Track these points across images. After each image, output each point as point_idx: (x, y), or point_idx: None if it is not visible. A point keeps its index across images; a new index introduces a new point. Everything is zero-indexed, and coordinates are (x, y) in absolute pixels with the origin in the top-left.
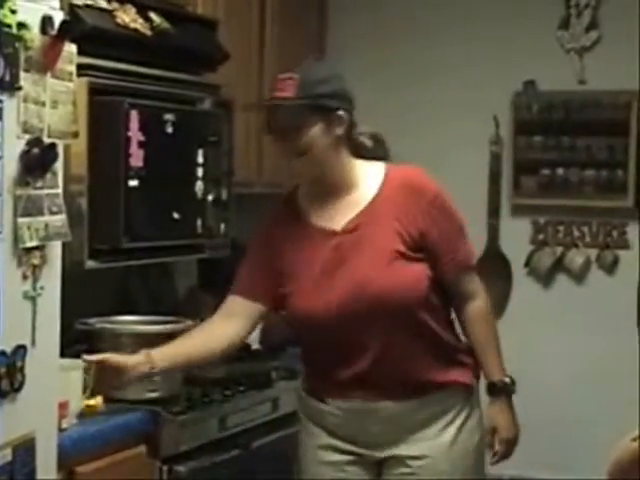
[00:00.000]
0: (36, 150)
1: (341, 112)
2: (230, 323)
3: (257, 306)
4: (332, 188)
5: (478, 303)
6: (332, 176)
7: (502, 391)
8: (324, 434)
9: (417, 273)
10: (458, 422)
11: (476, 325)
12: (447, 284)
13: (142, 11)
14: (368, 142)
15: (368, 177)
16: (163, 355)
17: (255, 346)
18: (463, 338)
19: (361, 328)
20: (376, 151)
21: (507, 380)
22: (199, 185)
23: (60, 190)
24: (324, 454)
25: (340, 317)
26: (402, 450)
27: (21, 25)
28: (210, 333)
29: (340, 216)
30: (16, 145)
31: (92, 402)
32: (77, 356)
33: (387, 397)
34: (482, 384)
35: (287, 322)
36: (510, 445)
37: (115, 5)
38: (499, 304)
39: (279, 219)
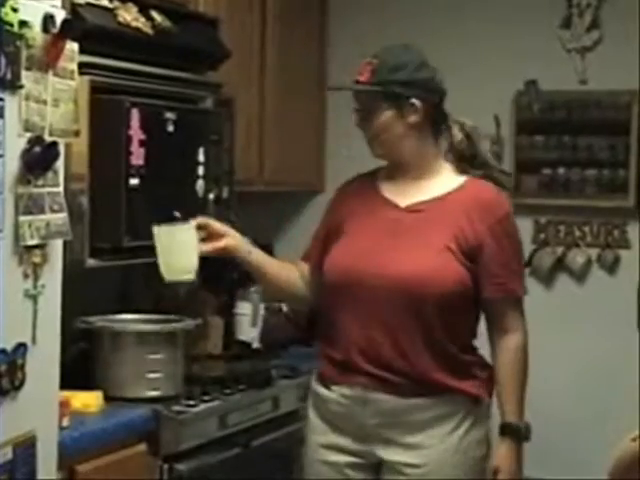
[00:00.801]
0: (37, 148)
1: (414, 100)
2: (302, 281)
3: (319, 273)
4: (406, 170)
5: (515, 339)
6: (406, 160)
7: (514, 435)
8: (328, 431)
9: (459, 270)
10: (461, 431)
11: (506, 361)
12: (489, 307)
13: (144, 10)
14: (458, 134)
15: (447, 175)
16: (260, 256)
17: (256, 345)
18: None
19: (388, 307)
20: (461, 144)
21: (522, 425)
22: (200, 184)
23: (61, 188)
24: (326, 453)
25: (373, 286)
26: (401, 456)
27: (23, 23)
28: (296, 278)
29: (408, 195)
30: (17, 143)
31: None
32: (78, 355)
33: (390, 391)
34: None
35: (320, 281)
36: None
37: (117, 4)
38: None
39: (351, 188)
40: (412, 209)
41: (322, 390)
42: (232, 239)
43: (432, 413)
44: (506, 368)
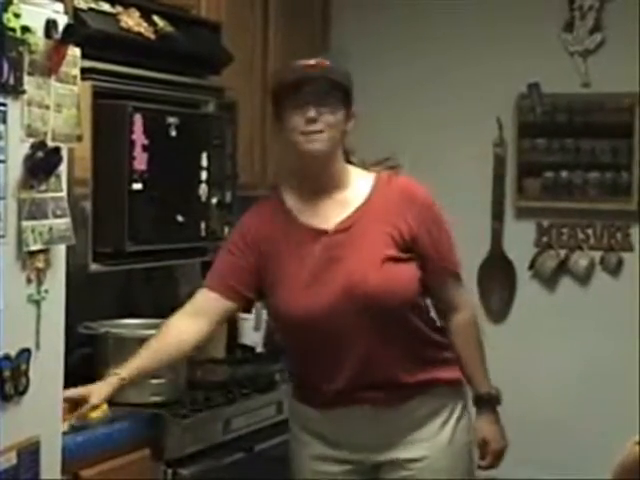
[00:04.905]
0: (40, 154)
1: (354, 110)
2: (196, 320)
3: (229, 304)
4: (325, 185)
5: (464, 314)
6: (331, 169)
7: (489, 403)
8: (318, 443)
9: (408, 275)
10: (453, 420)
11: (462, 337)
12: (434, 290)
13: (146, 15)
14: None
15: (359, 180)
16: (130, 370)
17: (259, 349)
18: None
19: (352, 330)
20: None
21: (494, 392)
22: (203, 188)
23: (64, 193)
24: (319, 464)
25: (331, 317)
26: (400, 453)
27: (25, 29)
28: (176, 335)
29: (331, 215)
30: (20, 148)
31: (96, 413)
32: (81, 360)
33: (381, 402)
34: None
35: (275, 323)
36: (498, 456)
37: (119, 9)
38: (503, 307)
39: (264, 217)
40: (341, 229)
41: (307, 409)
42: (96, 396)
43: (425, 409)
44: (468, 343)
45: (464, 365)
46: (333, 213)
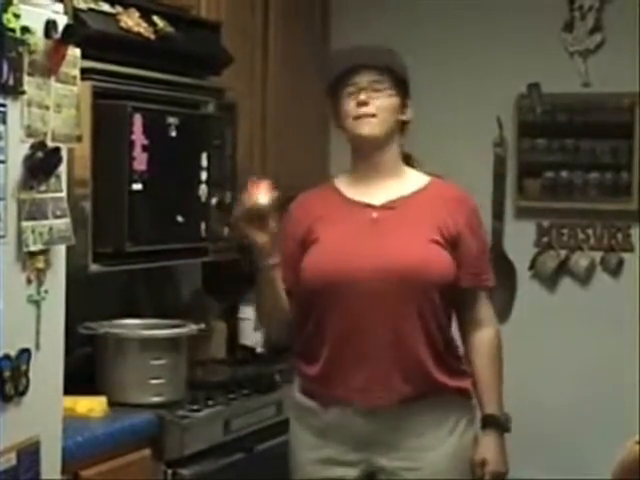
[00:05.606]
0: (40, 154)
1: (409, 101)
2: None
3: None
4: (378, 169)
5: (489, 333)
6: (383, 155)
7: (496, 426)
8: (321, 444)
9: (449, 260)
10: (458, 432)
11: (483, 355)
12: (465, 300)
13: (145, 15)
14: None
15: (413, 176)
16: (278, 276)
17: (259, 349)
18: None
19: (382, 307)
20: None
21: (503, 416)
22: (203, 188)
23: (64, 194)
24: (320, 469)
25: (363, 284)
26: (401, 461)
27: (25, 29)
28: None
29: (379, 195)
30: (20, 149)
31: (94, 405)
32: (82, 361)
33: (391, 398)
34: None
35: (300, 292)
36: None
37: (119, 9)
38: (503, 307)
39: (308, 199)
40: (389, 206)
41: (310, 402)
42: (263, 241)
43: (431, 415)
44: (484, 360)
45: (478, 384)
46: (383, 193)
